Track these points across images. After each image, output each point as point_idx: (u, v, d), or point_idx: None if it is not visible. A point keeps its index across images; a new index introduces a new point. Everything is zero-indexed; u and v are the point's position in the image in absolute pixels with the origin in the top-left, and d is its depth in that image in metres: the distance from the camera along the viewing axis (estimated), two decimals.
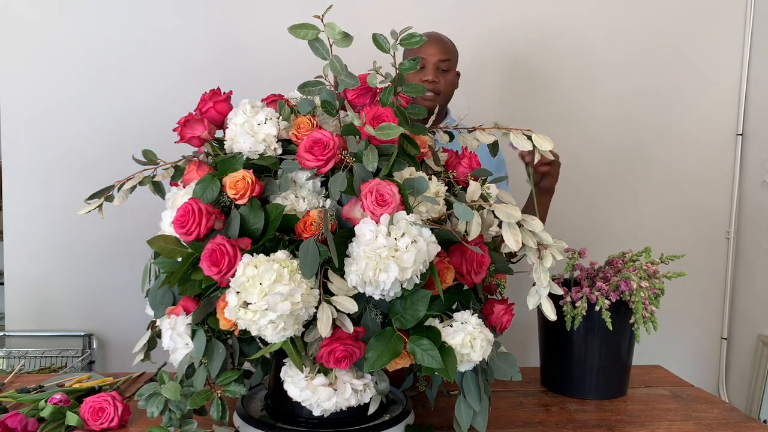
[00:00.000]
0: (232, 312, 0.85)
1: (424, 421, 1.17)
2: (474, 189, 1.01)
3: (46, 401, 1.15)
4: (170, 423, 1.00)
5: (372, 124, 0.92)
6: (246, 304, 0.84)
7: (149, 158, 1.08)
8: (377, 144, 0.93)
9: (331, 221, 0.91)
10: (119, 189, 1.07)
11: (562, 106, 2.31)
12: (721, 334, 2.51)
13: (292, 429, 1.03)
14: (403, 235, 0.85)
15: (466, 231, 0.95)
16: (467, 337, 0.91)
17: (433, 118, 1.18)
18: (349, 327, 0.88)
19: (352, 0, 2.14)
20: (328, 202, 0.96)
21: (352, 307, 0.87)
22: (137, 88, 2.17)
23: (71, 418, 1.11)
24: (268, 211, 0.93)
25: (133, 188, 1.09)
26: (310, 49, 0.93)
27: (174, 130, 1.03)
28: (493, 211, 0.95)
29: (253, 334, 0.86)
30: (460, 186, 1.06)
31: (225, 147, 1.02)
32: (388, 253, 0.83)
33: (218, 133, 1.06)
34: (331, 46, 0.93)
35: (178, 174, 1.07)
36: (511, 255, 1.07)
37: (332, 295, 0.89)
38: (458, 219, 0.92)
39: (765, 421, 2.25)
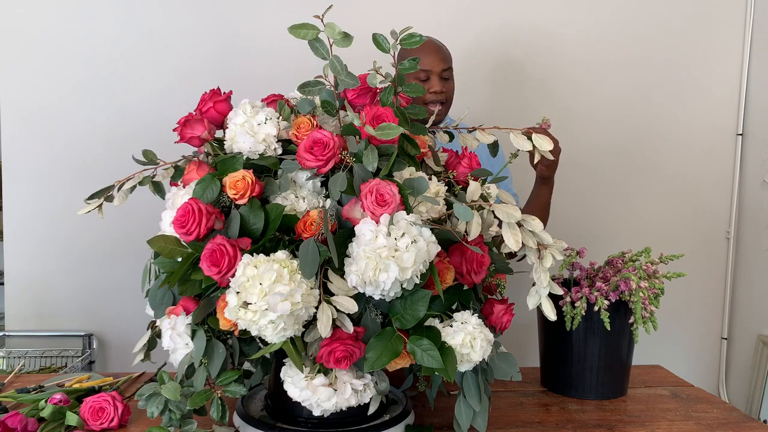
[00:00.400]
0: (232, 312, 0.85)
1: (424, 421, 1.17)
2: (474, 189, 1.01)
3: (46, 401, 1.15)
4: (170, 423, 1.00)
5: (372, 124, 0.92)
6: (246, 304, 0.84)
7: (149, 158, 1.08)
8: (377, 144, 0.93)
9: (331, 221, 0.91)
10: (119, 189, 1.07)
11: (562, 106, 2.31)
12: (721, 334, 2.51)
13: (292, 429, 1.03)
14: (403, 235, 0.85)
15: (466, 231, 0.95)
16: (467, 337, 0.91)
17: (433, 118, 1.18)
18: (349, 327, 0.88)
19: (352, 0, 2.14)
20: (328, 202, 0.96)
21: (352, 307, 0.87)
22: (137, 88, 2.16)
23: (71, 418, 1.11)
24: (268, 211, 0.93)
25: (133, 188, 1.09)
26: (310, 49, 0.93)
27: (174, 130, 1.03)
28: (493, 211, 0.96)
29: (253, 334, 0.86)
30: (460, 186, 1.06)
31: (225, 147, 1.02)
32: (388, 253, 0.83)
33: (218, 133, 1.06)
34: (331, 46, 0.93)
35: (178, 174, 1.07)
36: (511, 255, 1.07)
37: (332, 295, 0.89)
38: (458, 219, 0.92)
39: (765, 421, 2.25)
